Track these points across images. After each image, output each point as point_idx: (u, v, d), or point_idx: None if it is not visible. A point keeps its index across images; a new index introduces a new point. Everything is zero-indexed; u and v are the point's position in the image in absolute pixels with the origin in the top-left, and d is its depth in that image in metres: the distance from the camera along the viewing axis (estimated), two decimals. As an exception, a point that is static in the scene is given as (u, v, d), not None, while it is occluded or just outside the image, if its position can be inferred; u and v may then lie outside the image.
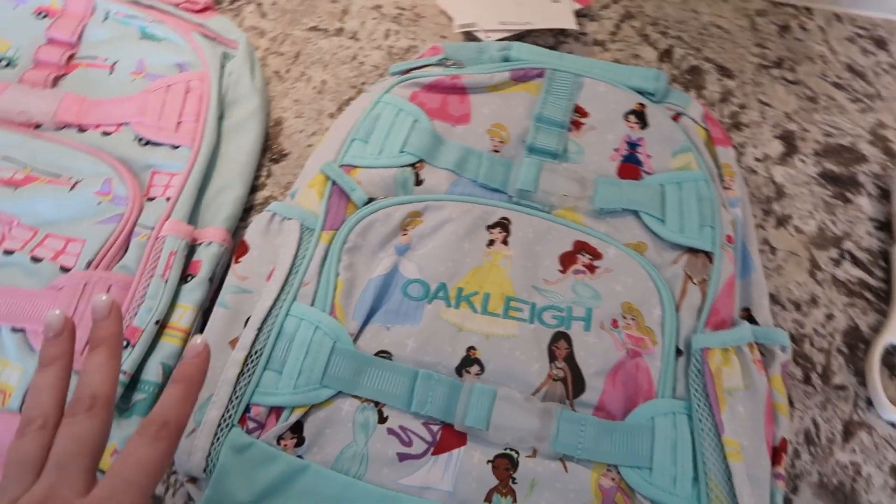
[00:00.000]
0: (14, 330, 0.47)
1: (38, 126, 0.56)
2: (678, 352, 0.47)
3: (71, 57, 0.60)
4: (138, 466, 0.32)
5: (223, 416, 0.44)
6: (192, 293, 0.51)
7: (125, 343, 0.47)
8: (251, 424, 0.44)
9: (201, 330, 0.49)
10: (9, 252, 0.50)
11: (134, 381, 0.47)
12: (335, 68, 0.65)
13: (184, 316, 0.50)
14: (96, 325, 0.36)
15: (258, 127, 0.59)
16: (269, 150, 0.61)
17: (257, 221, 0.52)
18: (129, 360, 0.47)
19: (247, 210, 0.57)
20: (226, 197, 0.55)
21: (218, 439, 0.44)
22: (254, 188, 0.58)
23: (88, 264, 0.49)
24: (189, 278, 0.51)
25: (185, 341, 0.49)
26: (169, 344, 0.49)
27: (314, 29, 0.68)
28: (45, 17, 0.62)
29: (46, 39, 0.60)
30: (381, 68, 0.65)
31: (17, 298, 0.48)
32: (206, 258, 0.52)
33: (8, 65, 0.59)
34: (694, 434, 0.44)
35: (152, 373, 0.48)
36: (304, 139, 0.61)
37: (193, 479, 0.44)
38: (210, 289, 0.51)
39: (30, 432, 0.33)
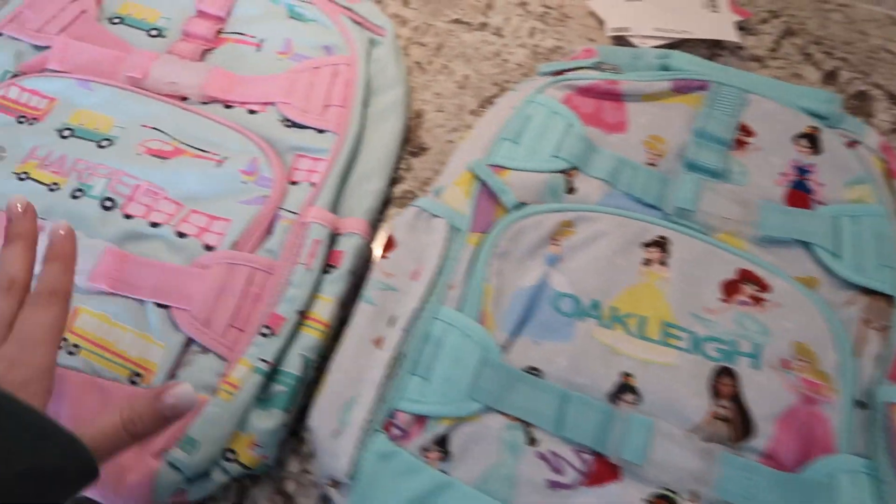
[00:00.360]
0: (159, 305, 0.46)
1: (184, 98, 0.56)
2: (857, 403, 0.43)
3: (219, 31, 0.60)
4: (40, 327, 0.36)
5: (369, 419, 0.43)
6: (334, 285, 0.49)
7: (268, 331, 0.45)
8: (395, 432, 0.42)
9: (341, 323, 0.48)
10: (155, 224, 0.49)
11: (273, 371, 0.45)
12: (478, 63, 0.63)
13: (325, 308, 0.48)
14: (13, 223, 0.39)
15: (400, 118, 0.57)
16: (409, 143, 0.59)
17: (404, 217, 0.50)
18: (271, 348, 0.45)
19: (384, 203, 0.56)
20: (368, 187, 0.54)
21: (364, 444, 0.42)
22: (392, 181, 0.56)
23: (233, 244, 0.48)
24: (330, 269, 0.49)
25: (326, 335, 0.48)
26: (309, 336, 0.47)
27: (457, 22, 0.66)
28: (196, -12, 0.61)
29: (196, 12, 0.60)
30: (525, 67, 0.63)
31: (164, 274, 0.47)
32: (348, 249, 0.50)
33: (158, 34, 0.59)
34: (879, 498, 0.40)
35: (293, 364, 0.46)
36: (444, 134, 0.59)
37: (335, 483, 0.42)
38: (350, 281, 0.50)
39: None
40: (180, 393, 0.36)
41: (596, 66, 0.58)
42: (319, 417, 0.44)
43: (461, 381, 0.43)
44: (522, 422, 0.43)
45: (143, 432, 0.35)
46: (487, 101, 0.61)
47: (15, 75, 0.56)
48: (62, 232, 0.40)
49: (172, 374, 0.44)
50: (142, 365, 0.45)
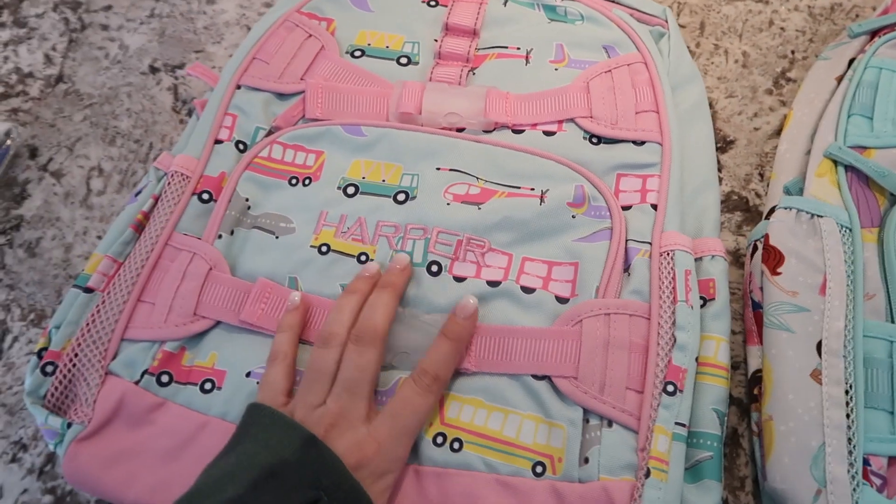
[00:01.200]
0: (536, 378, 0.40)
1: (461, 129, 0.49)
2: None
3: (475, 49, 0.52)
4: (414, 415, 0.38)
5: (851, 472, 0.35)
6: (718, 321, 0.42)
7: (673, 387, 0.38)
8: (875, 481, 0.36)
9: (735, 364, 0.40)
10: (494, 283, 0.42)
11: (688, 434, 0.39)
12: (752, 37, 0.55)
13: (719, 349, 0.41)
14: (388, 273, 0.42)
15: (707, 115, 0.49)
16: None
17: (780, 222, 0.42)
18: (682, 408, 0.38)
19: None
20: (706, 199, 0.46)
21: (857, 502, 0.35)
22: (714, 185, 0.49)
23: (595, 291, 0.41)
24: (705, 302, 0.42)
25: (729, 380, 0.41)
26: (714, 385, 0.40)
27: (711, -8, 0.58)
28: (435, 4, 0.54)
29: (446, 29, 0.52)
30: (809, 33, 0.54)
31: (533, 339, 0.40)
32: (717, 276, 0.43)
33: (409, 62, 0.51)
34: None
35: (708, 423, 0.39)
36: (746, 122, 0.52)
37: None
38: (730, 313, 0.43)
39: (333, 346, 0.39)
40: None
41: (923, 18, 0.49)
42: (787, 478, 0.37)
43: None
44: None
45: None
46: (781, 77, 0.53)
47: (269, 132, 0.50)
48: (463, 316, 0.40)
49: (586, 459, 0.38)
50: (543, 452, 0.38)
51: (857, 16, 0.54)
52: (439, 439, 0.39)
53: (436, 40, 0.52)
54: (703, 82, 0.51)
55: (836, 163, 0.44)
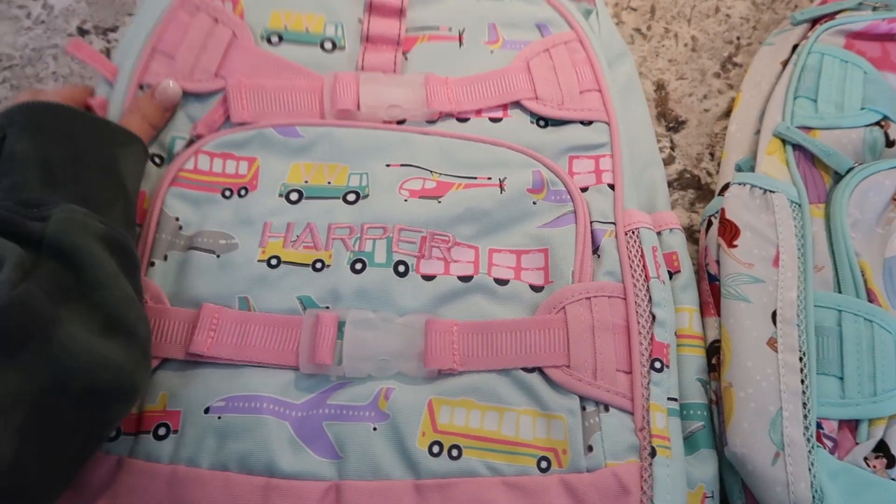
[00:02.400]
0: (526, 370, 0.38)
1: (401, 122, 0.46)
2: None
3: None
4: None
5: (806, 435, 0.37)
6: (686, 292, 0.42)
7: (660, 364, 0.38)
8: (826, 443, 0.37)
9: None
10: (465, 278, 0.40)
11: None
12: (700, 22, 0.56)
13: (692, 320, 0.41)
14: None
15: (641, 91, 0.50)
16: (664, 118, 0.52)
17: (735, 197, 0.43)
18: (671, 383, 0.39)
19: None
20: (653, 175, 0.47)
21: (812, 464, 0.36)
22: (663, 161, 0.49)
23: (571, 276, 0.40)
24: (672, 275, 0.43)
25: (706, 350, 0.41)
26: (693, 356, 0.41)
27: (661, -21, 0.59)
28: (354, -20, 0.50)
29: (369, 8, 0.48)
30: (753, 20, 0.57)
31: (517, 332, 0.38)
32: (678, 248, 0.43)
33: (334, 46, 0.47)
34: None
35: (694, 393, 0.40)
36: (697, 103, 0.53)
37: None
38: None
39: None
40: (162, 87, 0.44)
41: (858, 7, 0.52)
42: (747, 442, 0.38)
43: (884, 373, 0.38)
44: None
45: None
46: (728, 62, 0.55)
47: (189, 141, 0.44)
48: None
49: (589, 448, 0.37)
50: (546, 446, 0.37)
51: (795, 6, 0.58)
52: (435, 448, 0.36)
53: (360, 20, 0.49)
54: (632, 59, 0.51)
55: (784, 142, 0.46)
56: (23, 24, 0.53)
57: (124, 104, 0.44)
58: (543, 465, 0.36)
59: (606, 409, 0.37)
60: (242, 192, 0.43)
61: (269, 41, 0.47)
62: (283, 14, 0.48)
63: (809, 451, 0.37)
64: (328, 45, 0.48)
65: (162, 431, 0.36)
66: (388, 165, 0.43)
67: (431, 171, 0.43)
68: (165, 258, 0.41)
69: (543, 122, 0.46)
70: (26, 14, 0.54)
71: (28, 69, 0.52)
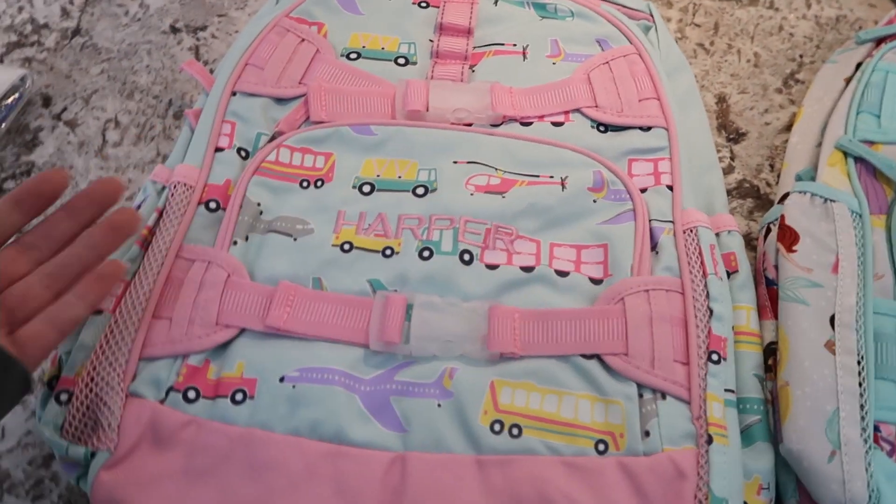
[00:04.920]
0: (585, 357, 0.39)
1: (469, 125, 0.48)
2: None
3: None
4: (71, 321, 0.36)
5: (864, 436, 0.37)
6: (744, 291, 0.43)
7: (717, 356, 0.39)
8: (885, 446, 0.37)
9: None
10: (527, 268, 0.42)
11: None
12: (763, 40, 0.58)
13: (750, 318, 0.42)
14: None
15: (700, 102, 0.52)
16: (725, 129, 0.54)
17: (795, 205, 0.44)
18: (728, 375, 0.39)
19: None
20: (712, 179, 0.48)
21: (869, 464, 0.36)
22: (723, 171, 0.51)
23: (630, 270, 0.42)
24: (729, 274, 0.44)
25: (764, 349, 0.42)
26: (750, 353, 0.41)
27: (727, -2, 0.61)
28: (426, 6, 0.54)
29: (440, 28, 0.52)
30: (816, 40, 0.58)
31: (579, 320, 0.40)
32: (736, 249, 0.44)
33: (407, 62, 0.51)
34: None
35: (751, 388, 0.40)
36: (758, 117, 0.55)
37: None
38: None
39: None
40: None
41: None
42: (803, 439, 0.38)
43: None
44: None
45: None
46: (791, 78, 0.56)
47: (272, 136, 0.48)
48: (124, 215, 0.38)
49: (646, 433, 0.38)
50: (604, 430, 0.38)
51: (860, 27, 0.59)
52: (497, 427, 0.38)
53: (431, 40, 0.52)
54: (691, 72, 0.53)
55: (846, 154, 0.47)
56: (121, 21, 0.59)
57: (218, 109, 0.48)
58: (601, 447, 0.37)
59: (664, 396, 0.38)
60: (319, 184, 0.46)
61: (348, 57, 0.51)
62: (361, 36, 0.52)
63: (867, 452, 0.37)
64: (401, 61, 0.51)
65: (239, 397, 0.39)
66: (455, 162, 0.46)
67: (496, 169, 0.46)
68: (247, 238, 0.44)
69: (603, 127, 0.48)
70: (125, 12, 0.59)
71: (124, 62, 0.57)
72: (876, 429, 0.38)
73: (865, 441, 0.37)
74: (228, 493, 0.36)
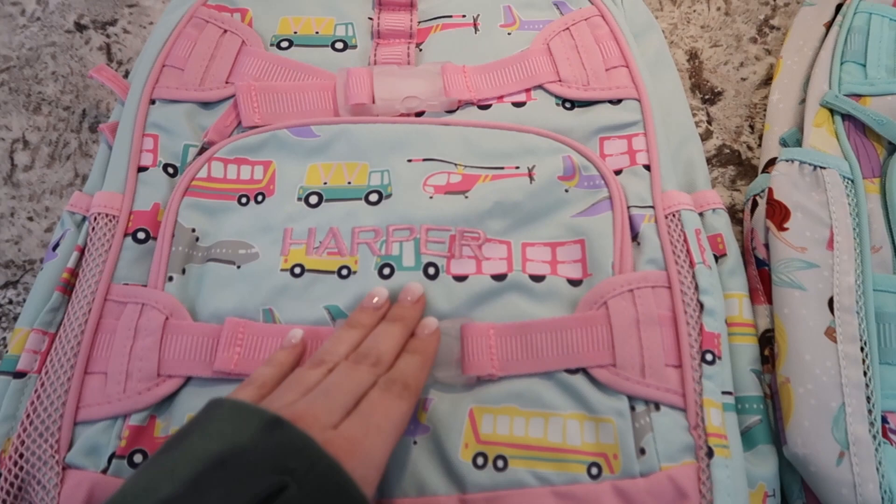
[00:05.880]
0: (569, 372, 0.36)
1: (419, 114, 0.44)
2: None
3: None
4: (386, 416, 0.32)
5: (872, 432, 0.34)
6: (734, 277, 0.40)
7: (711, 356, 0.36)
8: (894, 438, 0.35)
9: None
10: (498, 277, 0.38)
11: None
12: None
13: (742, 307, 0.39)
14: (399, 307, 0.37)
15: (671, 64, 0.47)
16: (699, 90, 0.49)
17: (783, 175, 0.41)
18: (724, 375, 0.36)
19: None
20: (691, 151, 0.44)
21: (880, 463, 0.34)
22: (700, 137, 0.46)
23: (611, 267, 0.38)
24: (718, 259, 0.40)
25: (759, 338, 0.39)
26: (746, 346, 0.38)
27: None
28: (360, -22, 0.48)
29: (378, 4, 0.46)
30: None
31: (558, 331, 0.36)
32: (723, 229, 0.41)
33: (345, 46, 0.45)
34: None
35: (748, 385, 0.37)
36: (733, 72, 0.50)
37: None
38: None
39: (323, 368, 0.34)
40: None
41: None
42: (809, 442, 0.35)
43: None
44: None
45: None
46: (765, 25, 0.51)
47: (202, 148, 0.42)
48: (427, 332, 0.36)
49: (642, 450, 0.34)
50: (596, 451, 0.34)
51: None
52: (479, 460, 0.34)
53: (370, 18, 0.47)
54: (660, 31, 0.48)
55: (832, 112, 0.43)
56: (18, 23, 0.51)
57: (136, 122, 0.42)
58: (594, 471, 0.34)
59: (657, 407, 0.35)
60: (259, 198, 0.41)
61: (278, 47, 0.45)
62: (291, 20, 0.46)
63: (876, 449, 0.34)
64: (339, 45, 0.46)
65: (192, 455, 0.35)
66: (409, 161, 0.41)
67: (456, 164, 0.41)
68: (183, 272, 0.39)
69: (569, 104, 0.43)
70: (20, 11, 0.52)
71: (26, 70, 0.50)
72: (884, 420, 0.35)
73: (874, 437, 0.34)
74: None
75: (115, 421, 0.35)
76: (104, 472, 0.34)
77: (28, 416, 0.35)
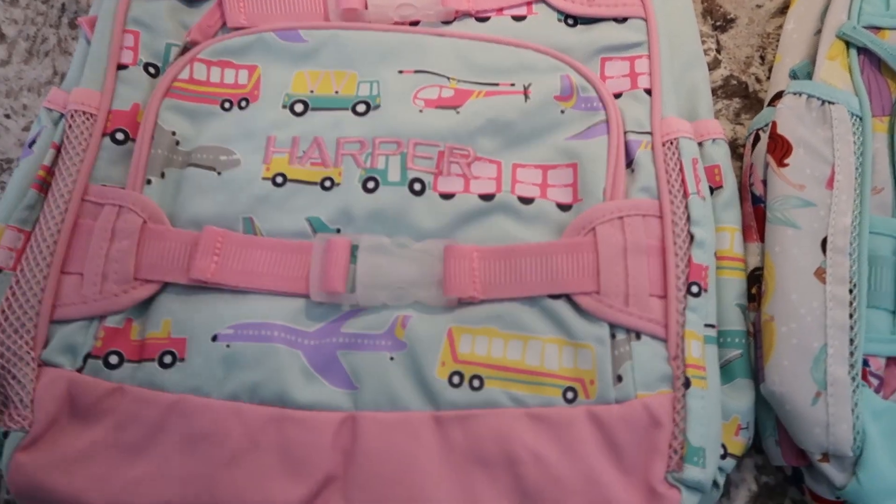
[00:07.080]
0: (553, 297, 0.35)
1: (414, 23, 0.41)
2: None
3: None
4: None
5: (851, 374, 0.34)
6: (728, 211, 0.39)
7: (697, 288, 0.35)
8: (872, 381, 0.35)
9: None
10: (486, 196, 0.37)
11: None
12: None
13: (734, 241, 0.38)
14: None
15: (682, -22, 0.45)
16: (711, 15, 0.47)
17: (789, 108, 0.39)
18: (709, 308, 0.36)
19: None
20: (695, 77, 0.42)
21: (856, 404, 0.34)
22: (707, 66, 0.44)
23: (603, 192, 0.37)
24: (713, 191, 0.39)
25: (748, 275, 0.38)
26: (734, 280, 0.38)
27: None
28: None
29: None
30: None
31: (544, 255, 0.35)
32: (721, 160, 0.39)
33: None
34: None
35: (733, 320, 0.37)
36: None
37: (827, 456, 0.34)
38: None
39: None
40: None
41: None
42: (786, 381, 0.35)
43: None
44: None
45: None
46: None
47: (184, 48, 0.41)
48: None
49: (619, 378, 0.34)
50: (572, 376, 0.34)
51: None
52: (455, 379, 0.34)
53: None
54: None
55: (848, 45, 0.40)
56: None
57: (116, 16, 0.40)
58: (570, 395, 0.34)
59: (638, 336, 0.35)
60: (243, 104, 0.39)
61: None
62: None
63: (854, 391, 0.34)
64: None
65: (167, 359, 0.35)
66: (400, 72, 0.39)
67: (448, 78, 0.39)
68: (163, 175, 0.38)
69: (572, 20, 0.41)
70: None
71: None
72: (865, 363, 0.35)
73: (853, 379, 0.34)
74: (164, 468, 0.33)
75: (92, 321, 0.35)
76: (79, 370, 0.34)
77: (3, 311, 0.34)
